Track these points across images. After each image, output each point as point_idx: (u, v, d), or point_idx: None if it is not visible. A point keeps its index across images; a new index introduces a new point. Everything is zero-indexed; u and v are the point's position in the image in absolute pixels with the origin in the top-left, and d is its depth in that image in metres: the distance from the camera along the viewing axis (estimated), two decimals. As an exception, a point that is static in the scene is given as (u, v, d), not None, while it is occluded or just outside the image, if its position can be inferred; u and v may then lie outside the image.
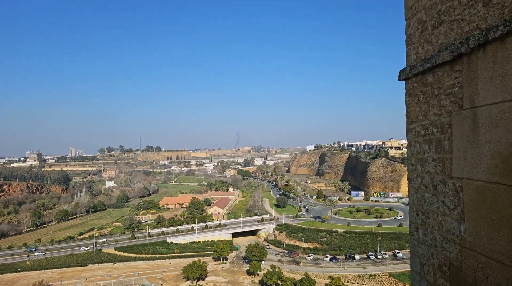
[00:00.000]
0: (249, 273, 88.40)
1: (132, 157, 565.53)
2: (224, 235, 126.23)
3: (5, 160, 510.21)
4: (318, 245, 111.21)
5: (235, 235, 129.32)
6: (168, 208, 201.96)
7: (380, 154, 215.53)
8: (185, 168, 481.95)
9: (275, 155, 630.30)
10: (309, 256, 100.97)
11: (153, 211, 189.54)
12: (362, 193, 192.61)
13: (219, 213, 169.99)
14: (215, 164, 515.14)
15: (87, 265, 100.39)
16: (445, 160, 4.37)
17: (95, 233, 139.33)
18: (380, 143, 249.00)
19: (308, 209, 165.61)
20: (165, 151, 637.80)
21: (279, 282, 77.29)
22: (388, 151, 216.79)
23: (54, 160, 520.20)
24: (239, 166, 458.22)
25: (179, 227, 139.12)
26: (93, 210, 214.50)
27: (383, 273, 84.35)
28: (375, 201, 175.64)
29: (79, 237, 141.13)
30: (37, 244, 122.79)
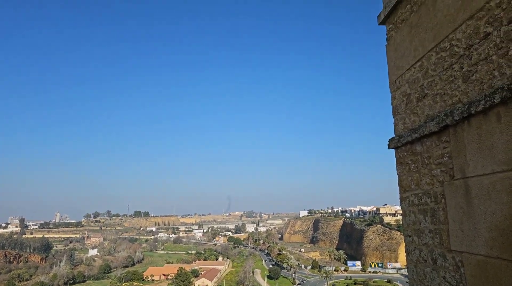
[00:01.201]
0: None
1: (119, 222, 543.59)
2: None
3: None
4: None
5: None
6: (153, 279, 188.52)
7: (375, 221, 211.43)
8: (173, 234, 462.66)
9: (267, 221, 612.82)
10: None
11: (136, 283, 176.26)
12: (358, 263, 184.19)
13: (207, 285, 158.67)
14: (205, 230, 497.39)
15: None
16: (442, 232, 4.23)
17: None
18: (375, 209, 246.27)
19: (303, 280, 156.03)
20: (153, 216, 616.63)
21: None
22: (383, 217, 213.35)
23: (36, 226, 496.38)
24: (230, 233, 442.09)
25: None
26: (71, 281, 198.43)
27: None
28: (373, 272, 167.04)
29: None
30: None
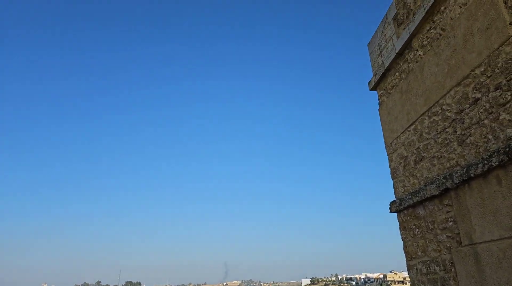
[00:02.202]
0: None
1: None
2: None
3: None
4: None
5: None
6: None
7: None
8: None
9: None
10: None
11: None
12: None
13: None
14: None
15: None
16: (457, 304, 3.90)
17: None
18: (381, 276, 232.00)
19: None
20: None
21: None
22: (390, 285, 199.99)
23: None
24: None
25: None
26: None
27: None
28: None
29: None
30: None
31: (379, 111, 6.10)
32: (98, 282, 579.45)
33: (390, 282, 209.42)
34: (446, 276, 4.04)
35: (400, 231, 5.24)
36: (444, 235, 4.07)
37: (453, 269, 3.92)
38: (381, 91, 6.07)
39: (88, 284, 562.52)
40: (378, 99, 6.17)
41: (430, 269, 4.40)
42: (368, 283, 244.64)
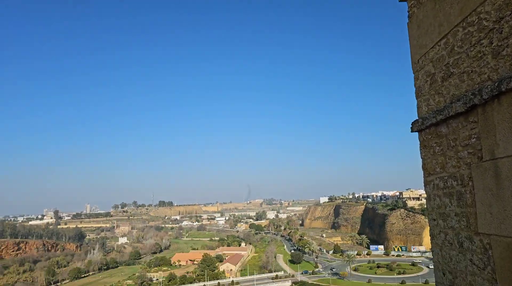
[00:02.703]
0: None
1: (145, 212, 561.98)
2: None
3: (24, 218, 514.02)
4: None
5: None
6: (180, 264, 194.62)
7: (398, 205, 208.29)
8: (196, 222, 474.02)
9: (287, 208, 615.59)
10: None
11: (164, 268, 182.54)
12: (381, 247, 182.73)
13: (231, 270, 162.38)
14: (227, 218, 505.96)
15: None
16: (469, 215, 4.11)
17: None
18: (397, 193, 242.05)
19: (325, 265, 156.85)
20: (176, 206, 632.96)
21: None
22: (406, 202, 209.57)
23: (70, 217, 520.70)
24: (251, 220, 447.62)
25: (191, 285, 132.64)
26: (105, 267, 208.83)
27: None
28: (396, 256, 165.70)
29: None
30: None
31: (408, 25, 5.68)
32: (135, 202, 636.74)
33: (405, 198, 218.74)
34: (463, 190, 4.19)
35: (420, 149, 5.31)
36: (465, 152, 4.11)
37: (470, 183, 4.04)
38: (412, 2, 5.56)
39: (126, 204, 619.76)
40: (408, 11, 5.70)
41: (447, 184, 4.55)
42: (384, 200, 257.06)
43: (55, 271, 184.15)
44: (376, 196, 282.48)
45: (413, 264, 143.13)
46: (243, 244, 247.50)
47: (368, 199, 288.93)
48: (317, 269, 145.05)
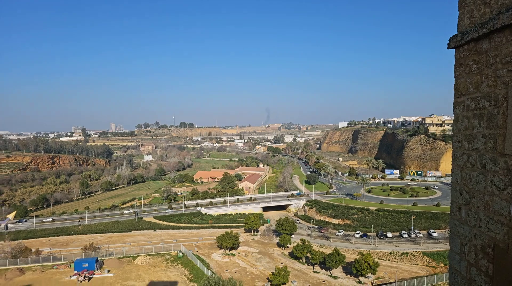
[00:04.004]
0: (279, 245, 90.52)
1: (167, 133, 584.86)
2: (255, 208, 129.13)
3: (54, 135, 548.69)
4: (348, 222, 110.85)
5: (265, 209, 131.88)
6: (202, 181, 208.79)
7: (419, 131, 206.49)
8: (216, 144, 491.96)
9: (305, 132, 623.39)
10: (339, 232, 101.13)
11: (187, 184, 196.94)
12: (397, 171, 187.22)
13: (249, 187, 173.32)
14: (245, 140, 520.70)
15: (131, 231, 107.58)
16: (497, 136, 4.01)
17: (136, 203, 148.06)
18: (420, 119, 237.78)
19: (339, 186, 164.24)
20: (197, 127, 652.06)
21: (308, 255, 78.54)
22: (428, 128, 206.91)
23: (96, 135, 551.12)
24: (269, 143, 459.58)
25: (212, 200, 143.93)
26: (133, 182, 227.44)
27: (416, 251, 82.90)
28: (411, 180, 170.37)
29: (122, 206, 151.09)
30: (86, 211, 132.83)
31: None
32: (157, 123, 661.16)
33: (428, 124, 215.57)
34: (495, 111, 4.02)
35: (455, 68, 4.98)
36: (505, 70, 3.83)
37: (504, 104, 3.85)
38: None
39: (148, 124, 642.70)
40: None
41: (479, 104, 4.36)
42: (405, 126, 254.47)
43: (88, 183, 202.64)
44: (397, 121, 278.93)
45: (427, 188, 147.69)
46: (261, 165, 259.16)
47: (389, 125, 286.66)
48: (331, 190, 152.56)
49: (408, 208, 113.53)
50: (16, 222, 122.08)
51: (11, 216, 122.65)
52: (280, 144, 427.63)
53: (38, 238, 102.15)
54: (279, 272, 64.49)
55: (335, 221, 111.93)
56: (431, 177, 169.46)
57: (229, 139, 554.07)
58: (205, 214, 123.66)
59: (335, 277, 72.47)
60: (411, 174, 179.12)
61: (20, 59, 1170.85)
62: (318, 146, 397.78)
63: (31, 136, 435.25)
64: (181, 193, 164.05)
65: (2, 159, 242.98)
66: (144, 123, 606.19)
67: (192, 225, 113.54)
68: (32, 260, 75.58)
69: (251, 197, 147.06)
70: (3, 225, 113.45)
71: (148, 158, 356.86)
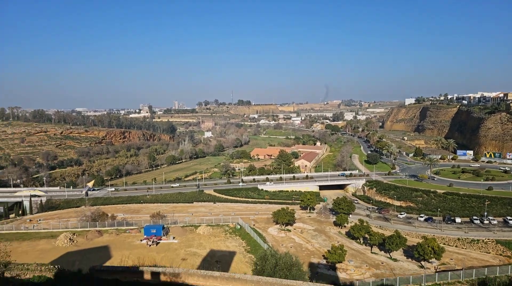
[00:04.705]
0: (335, 224, 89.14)
1: (225, 110, 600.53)
2: (311, 186, 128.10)
3: (125, 111, 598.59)
4: (412, 204, 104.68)
5: (322, 187, 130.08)
6: (258, 158, 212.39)
7: (499, 108, 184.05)
8: (273, 121, 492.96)
9: (367, 110, 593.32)
10: (401, 214, 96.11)
11: (245, 160, 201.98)
12: (470, 152, 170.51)
13: (306, 166, 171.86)
14: (303, 118, 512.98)
15: (193, 202, 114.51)
16: None
17: (198, 176, 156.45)
18: (501, 95, 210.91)
19: (403, 167, 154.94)
20: (254, 105, 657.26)
21: (366, 235, 76.21)
22: (510, 104, 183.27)
23: (161, 112, 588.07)
24: (327, 121, 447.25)
25: (268, 176, 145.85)
26: (194, 156, 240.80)
27: (488, 239, 75.71)
28: (487, 162, 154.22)
29: (185, 179, 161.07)
30: (153, 182, 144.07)
31: None
32: (216, 100, 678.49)
33: (510, 101, 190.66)
34: None
35: None
36: None
37: None
38: None
39: (208, 101, 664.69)
40: None
41: None
42: (483, 103, 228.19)
43: (155, 157, 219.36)
44: (474, 98, 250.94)
45: (505, 172, 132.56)
46: (318, 143, 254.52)
47: (463, 101, 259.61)
48: (394, 171, 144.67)
49: (482, 193, 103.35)
50: (94, 190, 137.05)
51: (90, 184, 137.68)
52: (339, 122, 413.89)
53: (113, 204, 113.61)
54: (335, 250, 63.70)
55: (397, 203, 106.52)
56: (511, 159, 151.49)
57: (285, 117, 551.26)
58: (262, 189, 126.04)
59: (395, 260, 69.59)
60: (487, 155, 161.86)
61: (101, 44, 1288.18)
62: (380, 124, 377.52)
63: (105, 112, 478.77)
64: (239, 169, 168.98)
65: (82, 133, 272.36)
66: (204, 101, 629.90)
67: (249, 199, 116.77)
68: (109, 224, 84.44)
69: (307, 175, 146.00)
70: (84, 192, 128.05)
71: (208, 134, 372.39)
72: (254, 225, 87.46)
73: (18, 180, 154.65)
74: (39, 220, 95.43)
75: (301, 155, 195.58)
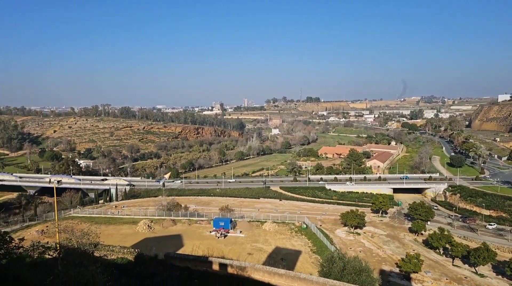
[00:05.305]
0: (411, 230, 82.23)
1: (293, 107, 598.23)
2: (384, 189, 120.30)
3: (199, 109, 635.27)
4: (504, 214, 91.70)
5: (396, 190, 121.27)
6: (326, 157, 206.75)
7: None
8: (343, 119, 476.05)
9: (451, 107, 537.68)
10: (491, 225, 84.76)
11: (312, 159, 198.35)
12: None
13: (379, 166, 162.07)
14: (376, 115, 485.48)
15: (259, 198, 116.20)
16: None
17: (264, 173, 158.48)
18: None
19: (494, 172, 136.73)
20: (323, 101, 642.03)
21: (447, 246, 68.71)
22: None
23: (232, 109, 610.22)
24: (404, 119, 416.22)
25: (337, 176, 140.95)
26: (262, 153, 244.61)
27: None
28: None
29: (252, 174, 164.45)
30: (223, 176, 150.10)
31: None
32: (284, 98, 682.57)
33: None
34: None
35: None
36: None
37: None
38: None
39: (276, 99, 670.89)
40: None
41: None
42: None
43: (224, 152, 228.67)
44: None
45: None
46: (393, 143, 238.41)
47: None
48: (482, 175, 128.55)
49: None
50: (170, 182, 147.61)
51: (167, 176, 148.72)
52: (417, 120, 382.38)
53: (186, 196, 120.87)
54: (410, 259, 58.67)
55: (486, 212, 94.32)
56: None
57: (357, 114, 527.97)
58: (329, 189, 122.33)
59: (481, 275, 61.56)
60: None
61: (171, 43, 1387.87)
62: (467, 123, 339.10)
63: (181, 109, 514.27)
64: (306, 167, 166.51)
65: (161, 128, 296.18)
66: (272, 98, 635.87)
67: (316, 199, 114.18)
68: (182, 214, 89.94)
69: (380, 177, 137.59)
70: (161, 183, 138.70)
71: (275, 131, 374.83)
72: (320, 225, 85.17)
73: (107, 170, 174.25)
74: (123, 206, 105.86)
75: (374, 155, 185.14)
